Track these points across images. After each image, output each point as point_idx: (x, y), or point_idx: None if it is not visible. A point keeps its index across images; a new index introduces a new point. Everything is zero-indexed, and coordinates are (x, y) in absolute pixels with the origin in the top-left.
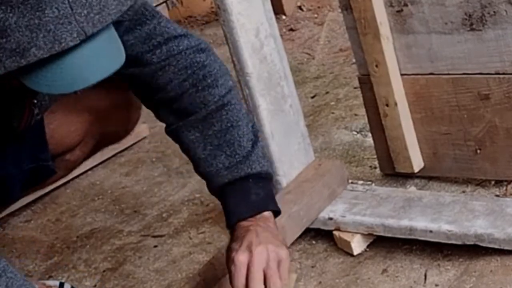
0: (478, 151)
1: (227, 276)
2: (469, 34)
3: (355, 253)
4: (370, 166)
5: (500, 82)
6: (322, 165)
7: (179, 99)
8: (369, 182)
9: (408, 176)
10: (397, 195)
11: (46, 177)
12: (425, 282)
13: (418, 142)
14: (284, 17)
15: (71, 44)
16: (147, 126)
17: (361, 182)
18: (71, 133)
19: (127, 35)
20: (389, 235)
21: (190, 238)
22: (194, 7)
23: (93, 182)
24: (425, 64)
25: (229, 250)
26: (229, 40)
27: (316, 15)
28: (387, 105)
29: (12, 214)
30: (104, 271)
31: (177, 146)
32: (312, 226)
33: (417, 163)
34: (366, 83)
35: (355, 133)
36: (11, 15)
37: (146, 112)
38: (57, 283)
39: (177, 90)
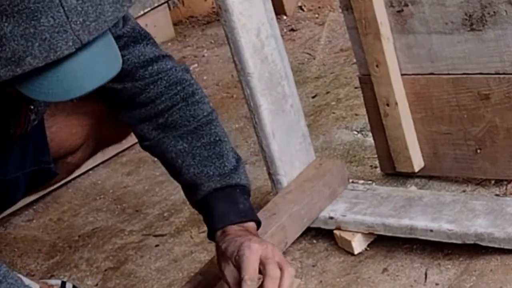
0: (478, 150)
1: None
2: (469, 34)
3: (355, 252)
4: (371, 166)
5: (500, 82)
6: (323, 165)
7: (168, 112)
8: (370, 182)
9: (409, 176)
10: (398, 194)
11: (48, 179)
12: (425, 281)
13: (418, 141)
14: (285, 17)
15: (67, 52)
16: None
17: (361, 181)
18: (72, 136)
19: (123, 50)
20: (390, 234)
21: (192, 237)
22: (196, 7)
23: (94, 182)
24: (425, 64)
25: (223, 248)
26: (230, 40)
27: (317, 15)
28: (387, 105)
29: (14, 213)
30: (105, 270)
31: None
32: (313, 226)
33: (418, 163)
34: (366, 83)
35: (355, 132)
36: (6, 24)
37: None
38: (59, 282)
39: (168, 103)
